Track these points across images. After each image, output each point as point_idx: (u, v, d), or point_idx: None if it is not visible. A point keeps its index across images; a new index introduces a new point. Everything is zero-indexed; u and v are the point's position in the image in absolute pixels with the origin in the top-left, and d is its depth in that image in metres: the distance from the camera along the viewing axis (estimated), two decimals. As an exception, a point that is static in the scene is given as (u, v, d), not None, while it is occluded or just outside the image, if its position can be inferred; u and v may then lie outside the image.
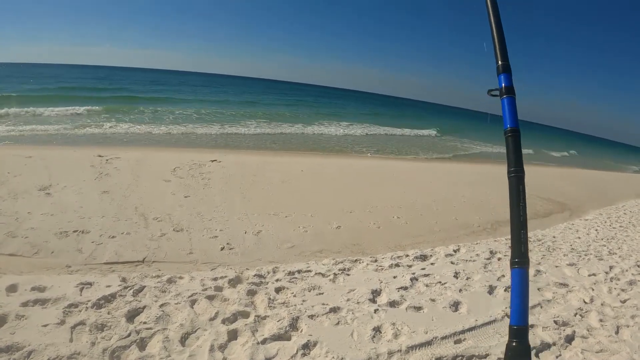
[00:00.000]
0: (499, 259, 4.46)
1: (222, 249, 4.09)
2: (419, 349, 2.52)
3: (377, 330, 2.68)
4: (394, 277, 3.62)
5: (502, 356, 2.50)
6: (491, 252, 4.67)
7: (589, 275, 4.26)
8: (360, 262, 3.98)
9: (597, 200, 10.37)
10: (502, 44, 1.62)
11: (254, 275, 3.36)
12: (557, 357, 2.61)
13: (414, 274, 3.73)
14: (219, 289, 3.05)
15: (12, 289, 2.70)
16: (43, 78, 33.64)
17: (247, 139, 14.18)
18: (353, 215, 5.75)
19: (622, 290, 3.93)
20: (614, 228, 7.09)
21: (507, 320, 2.98)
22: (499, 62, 1.61)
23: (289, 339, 2.50)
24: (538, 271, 4.17)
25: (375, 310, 2.94)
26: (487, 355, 2.52)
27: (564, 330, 2.93)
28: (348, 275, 3.61)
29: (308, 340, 2.45)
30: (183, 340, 2.35)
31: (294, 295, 3.09)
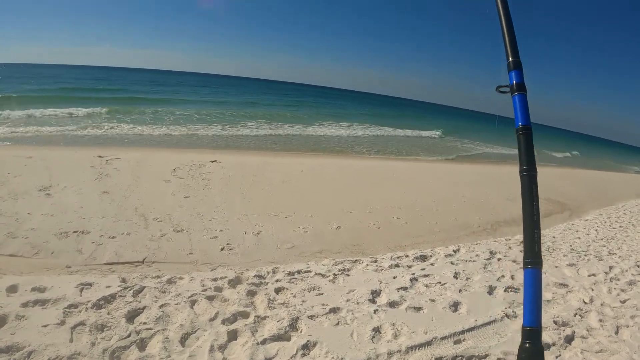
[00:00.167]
0: (499, 259, 4.46)
1: (222, 249, 4.09)
2: (418, 349, 2.52)
3: (377, 330, 2.69)
4: (394, 278, 3.62)
5: (502, 356, 2.51)
6: (491, 252, 4.67)
7: (589, 276, 4.26)
8: (360, 263, 3.98)
9: (597, 200, 10.37)
10: (512, 40, 1.59)
11: (254, 276, 3.36)
12: (556, 357, 2.61)
13: (413, 274, 3.73)
14: (218, 289, 3.06)
15: (12, 289, 2.70)
16: (43, 78, 33.68)
17: (247, 140, 14.18)
18: (353, 215, 5.76)
19: (622, 290, 3.93)
20: (613, 228, 7.09)
21: (506, 321, 2.99)
22: (510, 58, 1.58)
23: (288, 339, 2.50)
24: (538, 271, 4.16)
25: (375, 311, 2.94)
26: (486, 355, 2.52)
27: (564, 330, 2.94)
28: (348, 275, 3.61)
29: (308, 341, 2.45)
30: (183, 340, 2.36)
31: (294, 296, 3.09)
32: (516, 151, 1.53)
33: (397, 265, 3.99)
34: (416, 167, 12.20)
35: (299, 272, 3.56)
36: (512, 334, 2.79)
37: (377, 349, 2.46)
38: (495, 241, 5.31)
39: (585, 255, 5.02)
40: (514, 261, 4.39)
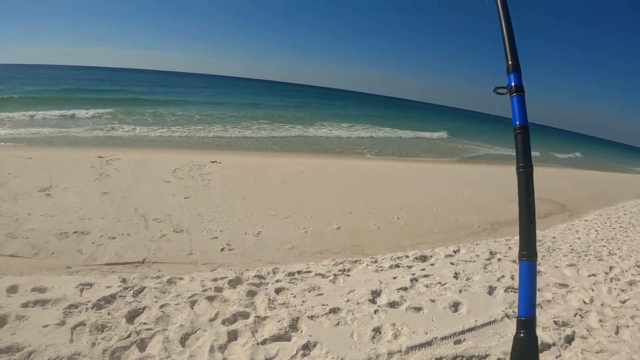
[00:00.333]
0: (499, 259, 4.46)
1: (222, 249, 4.09)
2: (418, 349, 2.52)
3: (377, 330, 2.69)
4: (394, 278, 3.62)
5: (502, 356, 2.51)
6: (491, 252, 4.67)
7: (589, 276, 4.26)
8: (360, 263, 3.98)
9: (597, 200, 10.37)
10: (512, 43, 1.64)
11: (254, 276, 3.37)
12: (557, 357, 2.61)
13: (413, 274, 3.73)
14: (219, 289, 3.06)
15: (12, 289, 2.70)
16: (43, 79, 33.72)
17: (248, 140, 14.19)
18: (353, 216, 5.76)
19: (622, 290, 3.93)
20: (613, 228, 7.09)
21: (506, 321, 2.99)
22: (509, 61, 1.63)
23: (289, 339, 2.50)
24: (538, 271, 4.17)
25: (375, 311, 2.94)
26: (486, 355, 2.52)
27: (564, 330, 2.94)
28: (348, 276, 3.61)
29: (308, 341, 2.45)
30: (183, 340, 2.36)
31: (294, 296, 3.09)
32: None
33: (397, 266, 3.99)
34: (416, 167, 12.20)
35: (299, 272, 3.56)
36: (513, 334, 2.79)
37: (377, 349, 2.46)
38: (495, 241, 5.31)
39: (586, 256, 5.02)
40: (514, 261, 4.39)
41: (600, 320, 3.18)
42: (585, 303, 3.51)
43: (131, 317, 2.54)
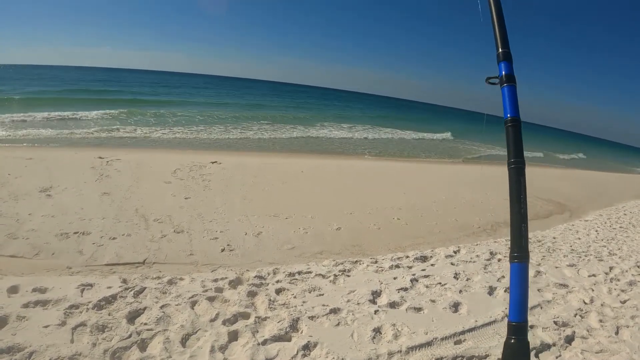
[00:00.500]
0: (499, 260, 4.47)
1: (223, 250, 4.09)
2: (419, 349, 2.52)
3: (377, 331, 2.69)
4: (394, 278, 3.62)
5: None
6: (491, 253, 4.68)
7: (589, 276, 4.26)
8: (360, 263, 3.98)
9: (597, 201, 10.37)
10: (502, 31, 1.56)
11: (255, 277, 3.37)
12: (557, 357, 2.61)
13: (414, 275, 3.74)
14: (219, 290, 3.06)
15: (13, 290, 2.71)
16: (44, 80, 33.75)
17: (249, 141, 14.20)
18: (353, 216, 5.76)
19: (622, 290, 3.94)
20: (614, 229, 7.09)
21: (507, 321, 2.99)
22: (499, 49, 1.55)
23: (289, 339, 2.50)
24: (538, 272, 4.17)
25: (376, 311, 2.95)
26: (487, 356, 2.52)
27: (564, 330, 2.94)
28: (348, 276, 3.61)
29: (308, 341, 2.45)
30: (184, 341, 2.36)
31: (295, 297, 3.10)
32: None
33: (397, 266, 3.99)
34: (416, 167, 12.21)
35: (299, 272, 3.56)
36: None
37: (377, 350, 2.46)
38: (495, 242, 5.31)
39: (586, 256, 5.02)
40: (514, 262, 4.38)
41: (601, 321, 3.18)
42: (585, 303, 3.51)
43: (132, 317, 2.54)
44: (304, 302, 3.01)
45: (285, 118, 22.21)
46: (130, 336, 2.31)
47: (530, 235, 5.25)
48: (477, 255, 4.55)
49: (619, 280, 4.25)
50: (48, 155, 7.38)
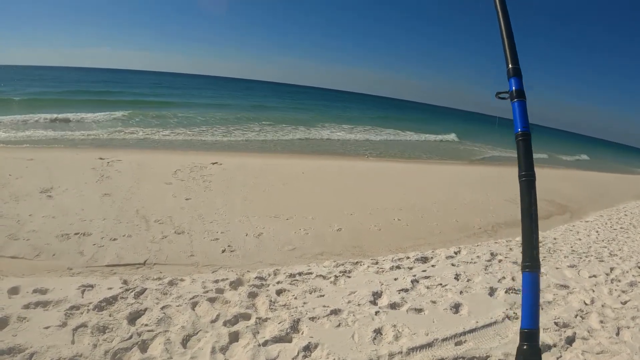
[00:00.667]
0: (500, 260, 4.46)
1: (223, 251, 4.10)
2: (419, 350, 2.52)
3: (378, 332, 2.69)
4: (395, 279, 3.62)
5: (503, 358, 2.51)
6: (492, 254, 4.67)
7: (590, 277, 4.26)
8: (361, 264, 3.98)
9: (598, 201, 10.37)
10: (512, 47, 1.59)
11: (255, 278, 3.37)
12: (557, 358, 2.61)
13: (414, 276, 3.74)
14: (220, 291, 3.06)
15: (13, 291, 2.71)
16: (44, 81, 33.81)
17: (249, 142, 14.20)
18: (354, 217, 5.76)
19: (623, 291, 3.93)
20: (614, 230, 7.09)
21: (507, 322, 2.99)
22: (509, 65, 1.58)
23: (290, 341, 2.50)
24: (539, 273, 4.16)
25: (376, 312, 2.95)
26: (487, 356, 2.52)
27: (565, 331, 2.94)
28: (349, 277, 3.61)
29: (309, 342, 2.45)
30: (184, 342, 2.36)
31: (295, 298, 3.10)
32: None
33: (398, 267, 3.99)
34: (416, 168, 12.20)
35: (300, 273, 3.56)
36: (513, 335, 2.80)
37: (378, 351, 2.46)
38: (496, 243, 5.31)
39: (586, 257, 5.01)
40: (515, 263, 4.39)
41: (601, 322, 3.18)
42: (586, 304, 3.51)
43: (132, 318, 2.54)
44: (304, 303, 3.01)
45: (286, 119, 22.13)
46: (131, 337, 2.32)
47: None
48: (478, 256, 4.55)
49: (619, 281, 4.24)
50: (49, 156, 7.39)
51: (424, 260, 4.30)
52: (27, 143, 9.84)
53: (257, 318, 2.69)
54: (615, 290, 3.94)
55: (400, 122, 30.81)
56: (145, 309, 2.65)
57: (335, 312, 2.89)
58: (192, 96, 32.70)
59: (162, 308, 2.68)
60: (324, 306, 2.96)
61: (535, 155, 1.55)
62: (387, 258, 4.29)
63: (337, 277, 3.57)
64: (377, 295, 3.26)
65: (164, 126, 14.98)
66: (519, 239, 5.44)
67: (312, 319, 2.77)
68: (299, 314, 2.80)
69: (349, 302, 3.09)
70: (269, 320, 2.70)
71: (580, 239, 6.00)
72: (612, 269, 4.59)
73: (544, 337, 2.80)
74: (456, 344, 2.65)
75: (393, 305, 3.10)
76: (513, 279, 3.87)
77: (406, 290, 3.39)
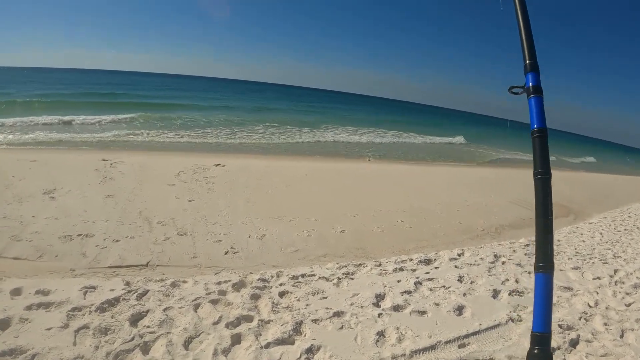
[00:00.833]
0: (503, 262, 4.44)
1: (226, 253, 4.09)
2: (422, 353, 2.51)
3: (381, 334, 2.68)
4: (398, 281, 3.61)
5: (506, 360, 2.49)
6: (495, 256, 4.65)
7: (594, 279, 4.23)
8: (364, 266, 3.97)
9: (602, 203, 10.31)
10: (530, 42, 1.57)
11: (258, 280, 3.36)
12: (562, 361, 2.59)
13: (418, 278, 3.72)
14: (222, 293, 3.06)
15: (16, 292, 2.72)
16: (49, 83, 33.96)
17: (253, 144, 14.21)
18: (357, 219, 5.75)
19: (627, 293, 3.90)
20: (618, 231, 7.04)
21: (511, 325, 2.97)
22: (527, 60, 1.55)
23: (292, 343, 2.50)
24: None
25: (379, 315, 2.93)
26: (491, 359, 2.50)
27: (569, 334, 2.91)
28: (352, 279, 3.60)
29: (312, 345, 2.44)
30: (187, 344, 2.36)
31: (298, 300, 3.09)
32: (529, 156, 1.49)
33: (401, 269, 3.98)
34: (419, 170, 12.17)
35: (303, 275, 3.56)
36: (517, 337, 2.78)
37: (381, 353, 2.45)
38: (499, 245, 5.29)
39: (590, 259, 4.98)
40: (519, 265, 4.37)
41: (605, 324, 3.15)
42: (590, 306, 3.48)
43: (135, 320, 2.54)
44: (307, 305, 3.00)
45: (291, 121, 22.10)
46: (133, 339, 2.32)
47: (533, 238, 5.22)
48: (481, 258, 4.52)
49: (623, 283, 4.21)
50: (52, 157, 7.42)
51: (427, 262, 4.29)
52: (30, 145, 9.89)
53: (259, 320, 2.69)
54: (619, 292, 3.91)
55: (405, 125, 30.62)
56: (148, 311, 2.64)
57: (338, 314, 2.88)
58: (196, 98, 32.72)
59: (165, 310, 2.68)
60: (327, 308, 2.95)
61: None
62: (390, 260, 4.28)
63: (340, 279, 3.56)
64: (380, 297, 3.24)
65: (168, 128, 15.02)
66: (522, 240, 5.42)
67: (314, 321, 2.76)
68: (302, 316, 2.80)
69: (351, 304, 3.08)
70: (271, 322, 2.69)
71: (584, 241, 5.96)
72: (616, 271, 4.56)
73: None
74: (459, 347, 2.63)
75: (396, 308, 3.09)
76: (517, 281, 3.85)
77: (409, 293, 3.38)
